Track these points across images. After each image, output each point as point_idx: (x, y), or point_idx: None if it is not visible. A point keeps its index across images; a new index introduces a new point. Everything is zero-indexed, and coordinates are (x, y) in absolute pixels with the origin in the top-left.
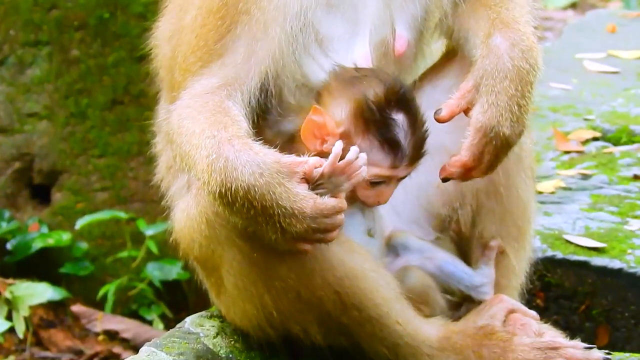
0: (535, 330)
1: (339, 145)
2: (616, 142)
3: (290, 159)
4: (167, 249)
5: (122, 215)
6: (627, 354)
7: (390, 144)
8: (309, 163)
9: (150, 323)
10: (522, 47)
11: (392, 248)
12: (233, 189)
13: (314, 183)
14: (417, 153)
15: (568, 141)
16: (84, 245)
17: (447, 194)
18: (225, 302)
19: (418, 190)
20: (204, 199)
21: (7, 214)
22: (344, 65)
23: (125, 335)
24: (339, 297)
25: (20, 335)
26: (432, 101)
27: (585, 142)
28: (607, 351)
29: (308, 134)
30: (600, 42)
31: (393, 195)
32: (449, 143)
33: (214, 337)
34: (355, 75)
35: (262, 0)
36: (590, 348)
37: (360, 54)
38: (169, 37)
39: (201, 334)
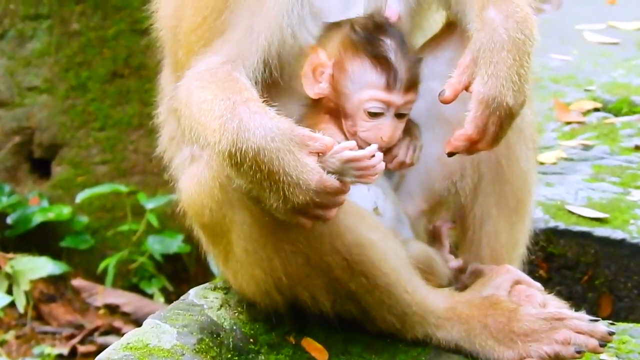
0: (540, 301)
1: (373, 147)
2: (617, 113)
3: (304, 130)
4: (167, 222)
5: (123, 188)
6: (631, 324)
7: (381, 62)
8: (323, 141)
9: (150, 296)
10: (517, 18)
11: None
12: (243, 150)
13: (324, 161)
14: (411, 78)
15: (569, 112)
16: (84, 218)
17: (447, 166)
18: (234, 268)
19: (420, 163)
20: (217, 164)
21: (7, 188)
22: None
23: (126, 309)
24: (347, 264)
25: (21, 310)
26: (433, 72)
27: (586, 112)
28: (610, 321)
29: (307, 77)
30: (600, 13)
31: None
32: (449, 114)
33: (218, 309)
34: (344, 19)
35: None
36: (596, 321)
37: None
38: (172, 12)
39: (205, 306)
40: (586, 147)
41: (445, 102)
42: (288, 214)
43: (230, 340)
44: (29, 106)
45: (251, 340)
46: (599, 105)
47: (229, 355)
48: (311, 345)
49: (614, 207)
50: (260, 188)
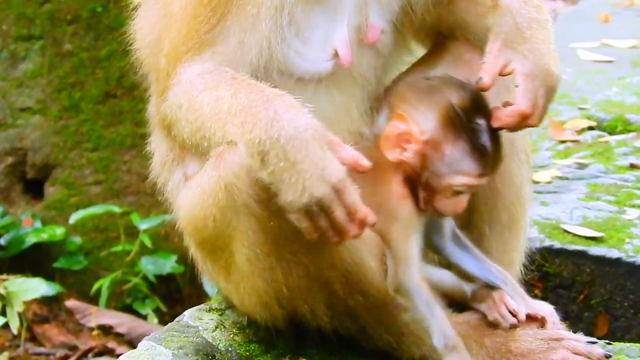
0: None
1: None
2: (612, 131)
3: (334, 136)
4: (161, 243)
5: (116, 209)
6: (627, 344)
7: (480, 151)
8: (351, 152)
9: (144, 317)
10: (533, 3)
11: None
12: (275, 137)
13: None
14: (499, 160)
15: (564, 130)
16: (77, 239)
17: None
18: (235, 281)
19: None
20: (225, 166)
21: (0, 209)
22: (415, 76)
23: (120, 329)
24: (346, 280)
25: (14, 331)
26: None
27: (580, 131)
28: (607, 341)
29: (389, 141)
30: (593, 31)
31: None
32: None
33: (213, 331)
34: (431, 84)
35: None
36: (593, 343)
37: (338, 40)
38: (151, 27)
39: (200, 328)
40: (581, 166)
41: (485, 89)
42: (299, 213)
43: None
44: (21, 127)
45: None
46: (593, 123)
47: None
48: None
49: (610, 226)
50: (280, 180)
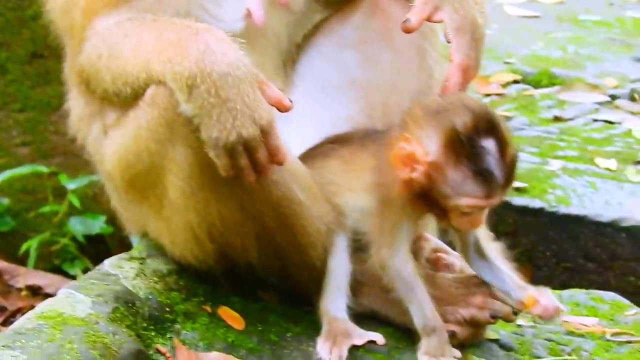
0: (458, 269)
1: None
2: (536, 85)
3: (262, 75)
4: (89, 204)
5: (44, 169)
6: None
7: (483, 174)
8: (276, 93)
9: (73, 278)
10: None
11: None
12: (206, 73)
13: None
14: (509, 178)
15: (489, 84)
16: (4, 200)
17: (355, 125)
18: (166, 217)
19: (331, 125)
20: (165, 100)
21: None
22: (429, 97)
23: (49, 290)
24: (276, 215)
25: None
26: (342, 38)
27: (505, 84)
28: None
29: (397, 161)
30: None
31: (302, 125)
32: (361, 77)
33: (133, 279)
34: (442, 105)
35: None
36: None
37: (251, 0)
38: None
39: (120, 276)
40: (506, 119)
41: (410, 31)
42: (221, 150)
43: (146, 309)
44: None
45: (167, 309)
46: (518, 77)
47: (145, 325)
48: (227, 314)
49: (533, 177)
50: (208, 115)
